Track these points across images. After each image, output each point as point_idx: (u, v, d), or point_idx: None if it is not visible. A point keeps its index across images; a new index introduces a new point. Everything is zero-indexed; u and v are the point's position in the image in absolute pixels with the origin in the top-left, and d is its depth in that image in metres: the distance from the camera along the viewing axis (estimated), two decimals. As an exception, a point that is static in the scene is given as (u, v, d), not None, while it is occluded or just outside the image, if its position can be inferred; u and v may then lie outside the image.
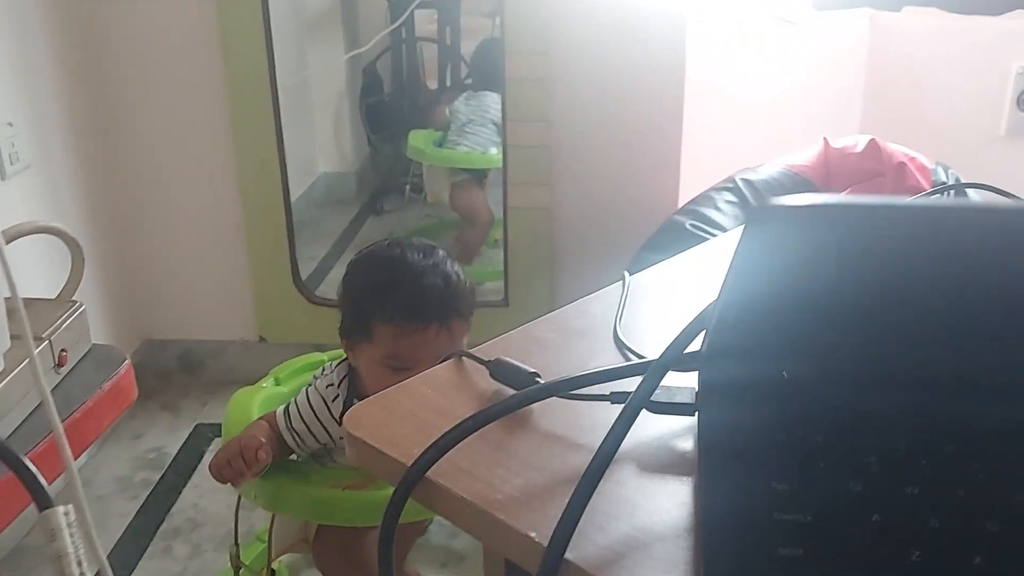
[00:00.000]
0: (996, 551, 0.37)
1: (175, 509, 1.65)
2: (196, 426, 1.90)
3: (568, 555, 0.41)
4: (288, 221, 1.90)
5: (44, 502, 0.43)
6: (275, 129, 1.82)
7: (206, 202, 1.90)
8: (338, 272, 2.60)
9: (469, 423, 0.47)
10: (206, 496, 1.68)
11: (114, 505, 1.66)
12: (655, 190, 1.83)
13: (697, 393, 0.48)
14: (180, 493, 1.69)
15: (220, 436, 1.88)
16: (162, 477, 1.74)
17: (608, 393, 0.50)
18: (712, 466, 0.43)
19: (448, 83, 3.06)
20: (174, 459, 1.79)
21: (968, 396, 0.40)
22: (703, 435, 0.45)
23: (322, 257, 2.71)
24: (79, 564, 0.44)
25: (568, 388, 0.49)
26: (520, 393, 0.49)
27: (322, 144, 3.10)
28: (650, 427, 0.50)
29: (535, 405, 0.52)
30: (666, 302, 0.67)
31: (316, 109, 3.03)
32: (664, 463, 0.47)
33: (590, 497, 0.42)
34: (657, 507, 0.44)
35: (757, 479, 0.41)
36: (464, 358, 0.57)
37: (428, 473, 0.46)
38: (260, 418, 1.20)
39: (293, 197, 1.93)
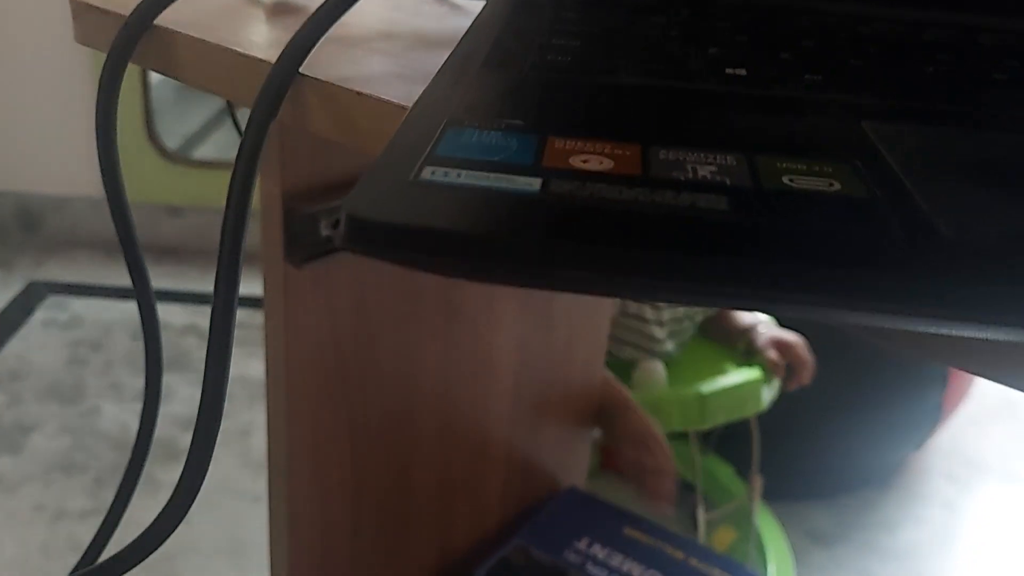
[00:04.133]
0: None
1: (-5, 359, 1.51)
2: (30, 284, 1.75)
3: (307, 71, 0.34)
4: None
5: None
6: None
7: (38, 30, 1.72)
8: (220, 135, 2.30)
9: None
10: (33, 350, 1.55)
11: (-78, 353, 1.50)
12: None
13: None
14: (3, 345, 1.55)
15: (56, 294, 1.72)
16: (-17, 329, 1.59)
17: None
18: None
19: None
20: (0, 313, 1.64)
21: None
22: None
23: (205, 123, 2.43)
24: None
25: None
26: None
27: None
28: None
29: None
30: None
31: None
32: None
33: (336, 19, 0.35)
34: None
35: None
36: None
37: (157, 22, 0.38)
38: None
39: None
